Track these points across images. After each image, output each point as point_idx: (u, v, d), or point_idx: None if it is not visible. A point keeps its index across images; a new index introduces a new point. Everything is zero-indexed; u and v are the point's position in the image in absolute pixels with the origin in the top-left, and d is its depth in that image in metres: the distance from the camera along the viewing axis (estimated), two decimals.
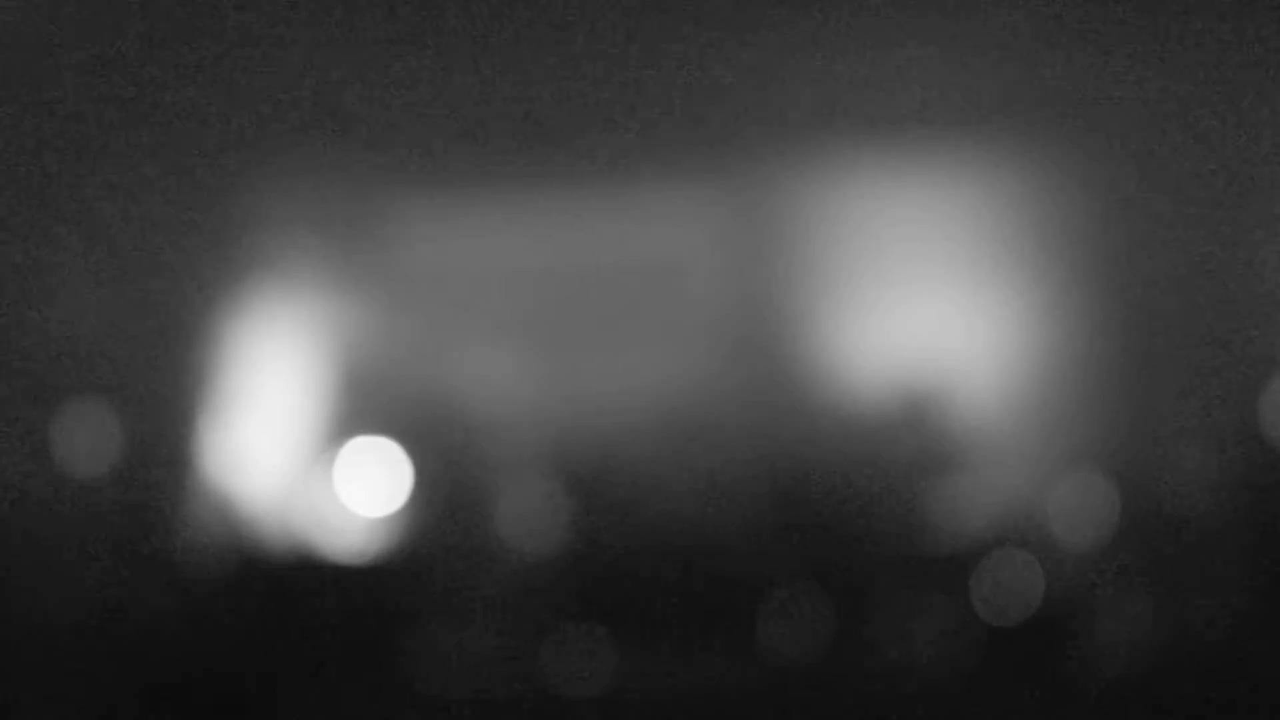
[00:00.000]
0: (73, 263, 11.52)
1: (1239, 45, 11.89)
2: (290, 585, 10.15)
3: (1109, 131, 13.53)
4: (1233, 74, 12.20)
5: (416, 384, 13.58)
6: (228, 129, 13.29)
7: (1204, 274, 12.44)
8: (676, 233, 13.82)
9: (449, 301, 13.92)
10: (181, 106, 12.58)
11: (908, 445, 13.00)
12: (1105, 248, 13.43)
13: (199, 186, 12.83)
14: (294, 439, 13.48)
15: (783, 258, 13.64)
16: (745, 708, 9.57)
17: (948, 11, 11.57)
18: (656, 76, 13.13)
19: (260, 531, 12.37)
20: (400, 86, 13.17)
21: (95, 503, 9.63)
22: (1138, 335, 13.35)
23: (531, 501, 12.01)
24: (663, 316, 13.61)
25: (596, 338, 13.92)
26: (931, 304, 13.64)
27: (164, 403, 12.30)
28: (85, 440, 10.74)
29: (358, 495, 12.59)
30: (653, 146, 13.60)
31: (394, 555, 10.65)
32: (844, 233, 13.77)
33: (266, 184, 13.52)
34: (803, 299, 13.68)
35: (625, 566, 11.87)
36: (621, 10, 11.64)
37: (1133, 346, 13.43)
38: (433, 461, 12.49)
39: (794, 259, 13.72)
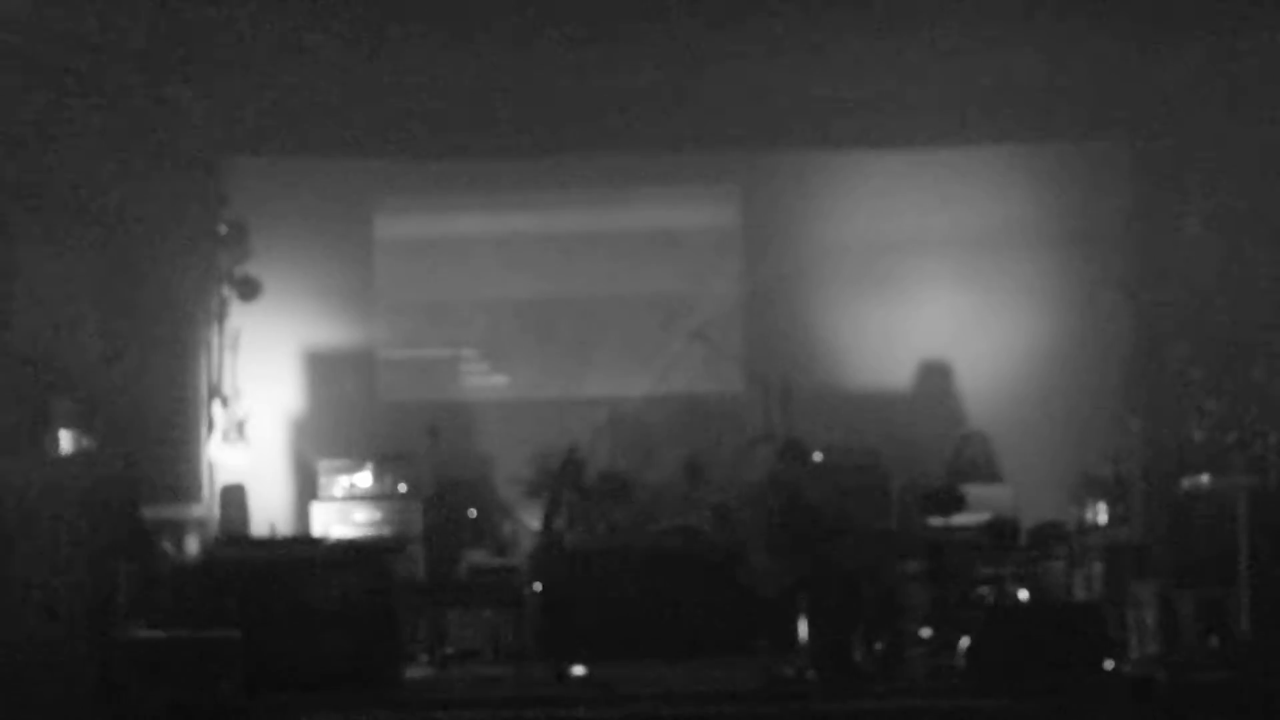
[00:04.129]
0: (63, 270, 11.46)
1: (1240, 46, 11.84)
2: (284, 583, 10.04)
3: (1116, 129, 13.47)
4: (1234, 73, 12.16)
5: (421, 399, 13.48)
6: (220, 154, 13.18)
7: (1216, 271, 12.36)
8: (683, 233, 13.75)
9: (444, 317, 13.84)
10: (173, 125, 12.50)
11: (922, 440, 12.89)
12: (1116, 244, 13.36)
13: (190, 204, 12.76)
14: (287, 449, 13.44)
15: (792, 252, 13.56)
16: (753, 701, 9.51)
17: (950, 13, 11.52)
18: (657, 85, 13.04)
19: (256, 532, 12.31)
20: (395, 109, 13.10)
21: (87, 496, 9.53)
22: (1151, 330, 13.25)
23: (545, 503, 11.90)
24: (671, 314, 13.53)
25: (604, 336, 13.85)
26: (944, 300, 13.55)
27: (154, 406, 12.26)
28: (78, 439, 10.67)
29: (354, 511, 12.55)
30: (656, 146, 13.55)
31: (390, 562, 10.56)
32: (849, 233, 13.69)
33: (259, 201, 13.46)
34: (810, 295, 13.58)
35: (642, 566, 11.79)
36: (624, 24, 11.58)
37: (1145, 342, 13.35)
38: (432, 477, 12.43)
39: (800, 256, 13.64)
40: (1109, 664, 9.72)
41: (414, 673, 10.50)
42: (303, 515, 12.72)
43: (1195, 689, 9.39)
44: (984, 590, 10.58)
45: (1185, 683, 9.45)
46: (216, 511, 12.64)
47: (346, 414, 13.33)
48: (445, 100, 12.85)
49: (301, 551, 10.40)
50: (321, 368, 13.47)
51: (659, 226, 13.58)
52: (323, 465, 12.65)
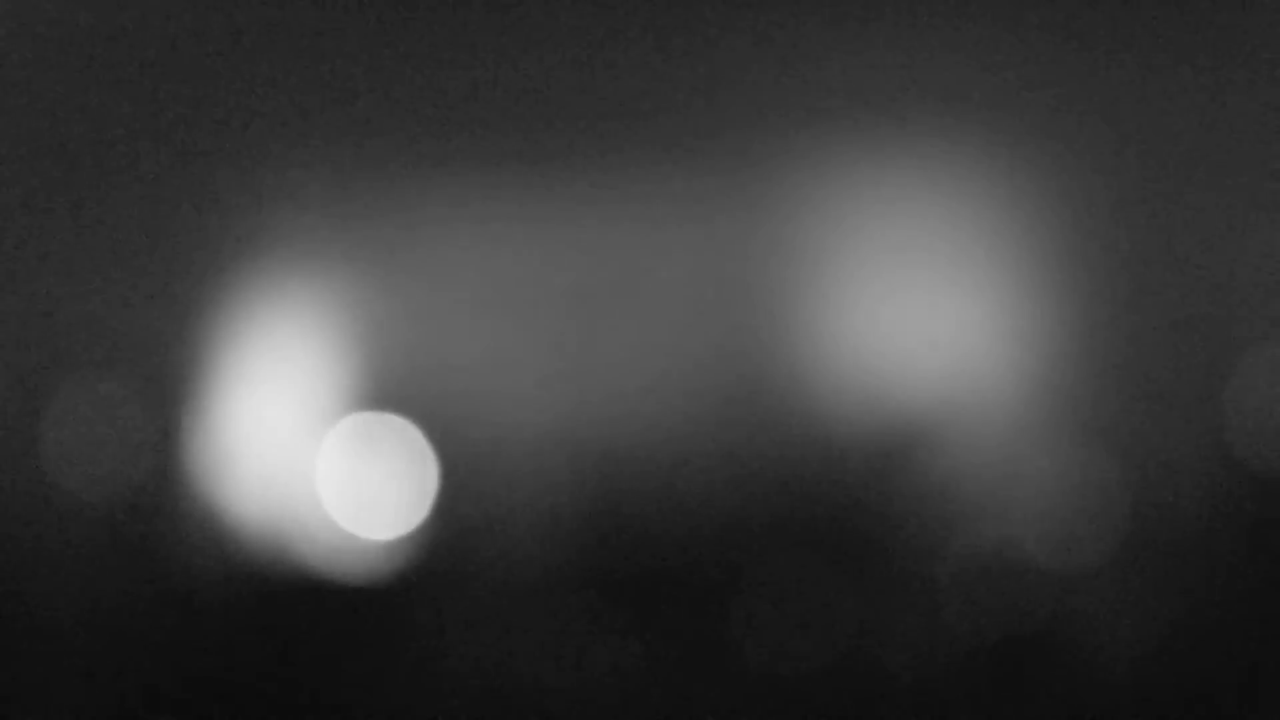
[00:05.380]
0: (68, 250, 11.49)
1: (1238, 43, 11.83)
2: (294, 603, 10.06)
3: (1116, 131, 13.46)
4: (1233, 70, 12.14)
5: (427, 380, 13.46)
6: (233, 112, 13.18)
7: (1213, 279, 12.36)
8: (692, 222, 13.75)
9: (455, 290, 13.82)
10: (185, 90, 12.51)
11: (904, 459, 12.90)
12: (1111, 253, 13.38)
13: (202, 167, 12.79)
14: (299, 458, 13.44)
15: (781, 263, 13.59)
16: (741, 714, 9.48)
17: (950, 10, 11.50)
18: (657, 86, 13.05)
19: (263, 543, 12.33)
20: (409, 73, 13.09)
21: (87, 504, 9.58)
22: (1142, 342, 13.24)
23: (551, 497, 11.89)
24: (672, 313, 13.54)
25: (612, 332, 13.84)
26: (932, 313, 13.54)
27: (162, 393, 12.27)
28: (75, 439, 10.69)
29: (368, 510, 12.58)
30: (656, 143, 13.57)
31: (414, 553, 10.56)
32: (844, 238, 13.70)
33: (270, 166, 13.44)
34: (802, 304, 13.61)
35: (656, 564, 11.77)
36: (624, 26, 11.55)
37: (1136, 354, 13.33)
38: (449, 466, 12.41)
39: (793, 265, 13.67)
40: (1101, 688, 9.76)
41: None
42: None
43: (1187, 711, 9.42)
44: None
45: (1178, 705, 9.49)
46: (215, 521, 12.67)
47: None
48: (447, 102, 12.90)
49: None
50: None
51: (659, 226, 13.61)
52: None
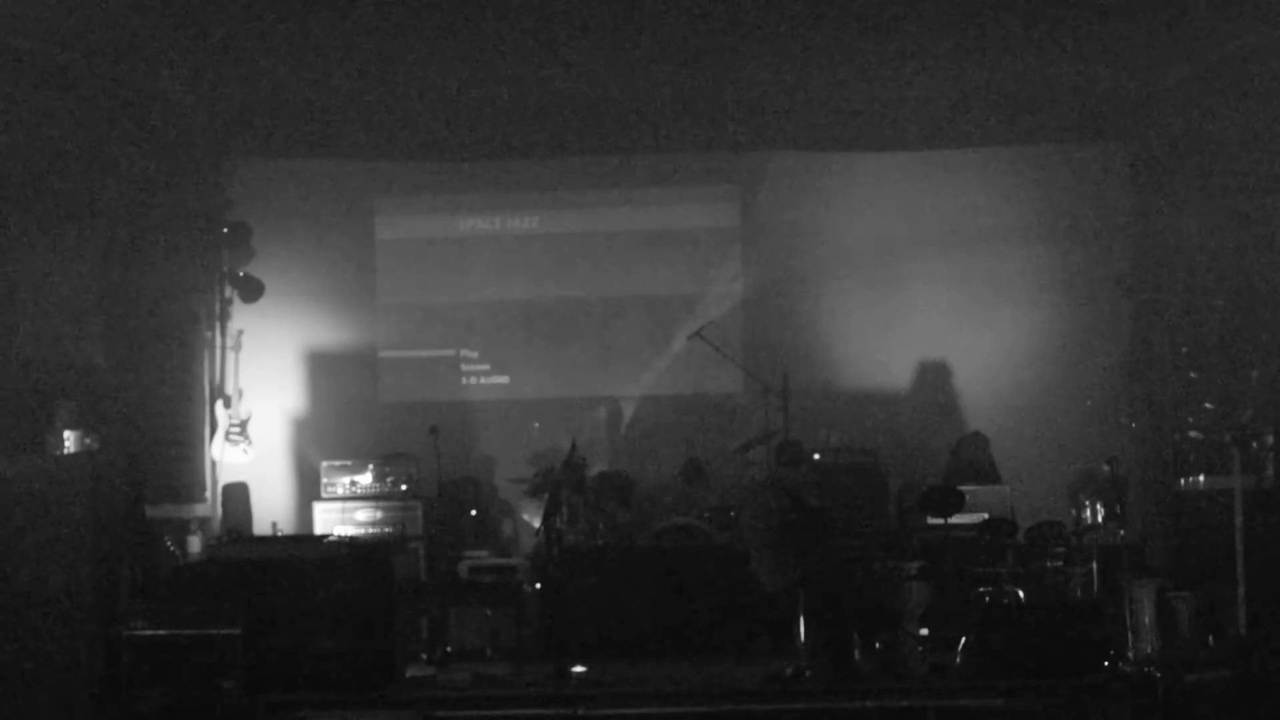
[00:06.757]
0: (66, 272, 11.47)
1: (1241, 44, 11.80)
2: (286, 582, 10.07)
3: (1118, 129, 13.43)
4: (1236, 70, 12.11)
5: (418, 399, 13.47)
6: (222, 155, 13.14)
7: (1213, 272, 12.33)
8: (684, 230, 13.75)
9: (443, 315, 13.85)
10: (176, 127, 12.49)
11: (920, 441, 12.86)
12: (1114, 245, 13.33)
13: (193, 205, 12.75)
14: (290, 453, 13.44)
15: (792, 253, 13.54)
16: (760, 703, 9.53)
17: (951, 13, 11.48)
18: (658, 87, 13.03)
19: (256, 531, 12.31)
20: (396, 110, 13.08)
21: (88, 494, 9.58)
22: (1148, 331, 13.20)
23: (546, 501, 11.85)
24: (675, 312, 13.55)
25: (608, 331, 13.86)
26: (944, 300, 13.51)
27: (157, 406, 12.27)
28: (81, 439, 10.71)
29: (355, 510, 12.52)
30: (656, 147, 13.55)
31: (391, 561, 10.57)
32: (849, 234, 13.68)
33: (261, 202, 13.45)
34: (809, 295, 13.57)
35: (644, 561, 11.80)
36: (624, 28, 11.55)
37: (1143, 343, 13.30)
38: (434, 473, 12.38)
39: (799, 256, 13.64)
40: (1106, 663, 9.73)
41: (414, 671, 10.51)
42: (304, 514, 12.73)
43: (1192, 688, 9.40)
44: (982, 590, 10.58)
45: (1182, 682, 9.46)
46: (219, 511, 12.66)
47: (348, 414, 13.34)
48: (447, 102, 12.86)
49: (303, 551, 10.40)
50: (323, 368, 13.48)
51: (659, 226, 13.59)
52: (324, 465, 12.65)
